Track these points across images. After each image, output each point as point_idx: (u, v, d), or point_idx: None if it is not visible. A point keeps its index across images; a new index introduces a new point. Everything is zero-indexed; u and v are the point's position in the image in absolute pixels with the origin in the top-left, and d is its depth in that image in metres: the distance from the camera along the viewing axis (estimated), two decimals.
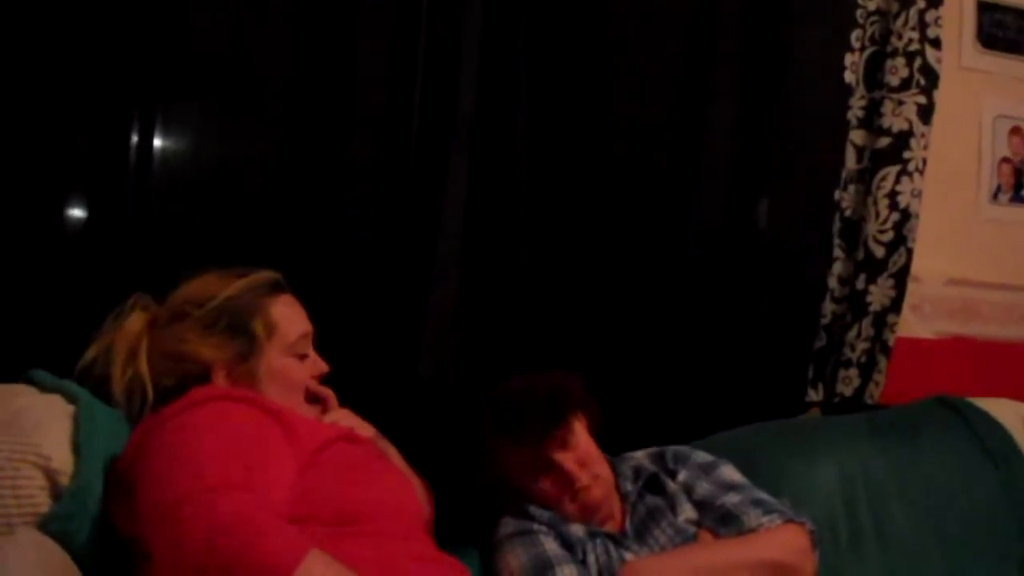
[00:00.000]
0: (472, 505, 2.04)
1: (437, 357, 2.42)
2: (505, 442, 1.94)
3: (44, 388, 1.69)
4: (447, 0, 2.37)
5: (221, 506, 1.33)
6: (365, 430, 1.84)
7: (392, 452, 1.89)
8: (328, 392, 1.86)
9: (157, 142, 2.20)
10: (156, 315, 1.79)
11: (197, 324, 1.74)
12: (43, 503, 1.53)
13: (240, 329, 1.75)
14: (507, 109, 2.44)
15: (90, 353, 1.74)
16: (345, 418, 1.83)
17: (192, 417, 1.53)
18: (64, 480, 1.54)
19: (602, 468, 1.97)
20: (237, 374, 1.73)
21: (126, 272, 2.10)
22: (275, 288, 1.83)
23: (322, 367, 1.85)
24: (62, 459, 1.56)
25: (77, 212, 2.15)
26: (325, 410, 1.84)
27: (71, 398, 1.66)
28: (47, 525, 1.50)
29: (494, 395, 1.99)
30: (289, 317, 1.81)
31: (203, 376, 1.71)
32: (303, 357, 1.82)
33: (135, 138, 2.17)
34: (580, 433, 1.96)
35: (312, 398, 1.83)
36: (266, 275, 1.83)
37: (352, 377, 1.95)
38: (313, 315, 2.12)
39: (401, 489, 1.74)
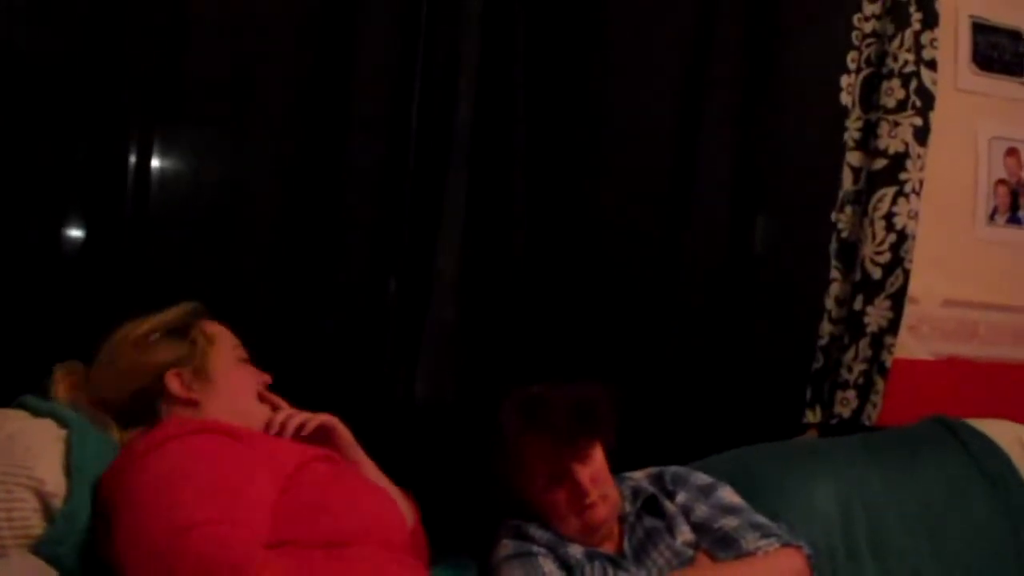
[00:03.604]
0: (471, 522, 2.04)
1: (434, 376, 2.42)
2: (529, 442, 1.92)
3: (36, 412, 1.68)
4: (444, 18, 2.38)
5: (198, 542, 1.34)
6: (318, 419, 1.82)
7: (360, 456, 1.87)
8: (277, 399, 1.86)
9: (155, 163, 2.21)
10: (85, 368, 1.79)
11: (134, 346, 1.76)
12: (36, 526, 1.52)
13: (180, 335, 1.78)
14: (504, 128, 2.44)
15: None
16: (296, 415, 1.81)
17: (163, 455, 1.52)
18: (57, 503, 1.54)
19: (611, 490, 1.97)
20: (189, 376, 1.74)
21: (124, 293, 2.10)
22: (199, 313, 1.85)
23: (265, 377, 1.86)
24: (55, 482, 1.55)
25: (75, 233, 2.15)
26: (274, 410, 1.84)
27: (63, 422, 1.65)
28: (40, 548, 1.50)
29: (521, 395, 1.99)
30: (220, 330, 1.85)
31: (155, 386, 1.72)
32: (245, 363, 1.84)
33: (133, 159, 2.18)
34: (599, 451, 1.96)
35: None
36: (186, 304, 1.85)
37: (348, 397, 1.95)
38: (310, 335, 2.13)
39: (384, 507, 1.73)
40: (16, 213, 2.08)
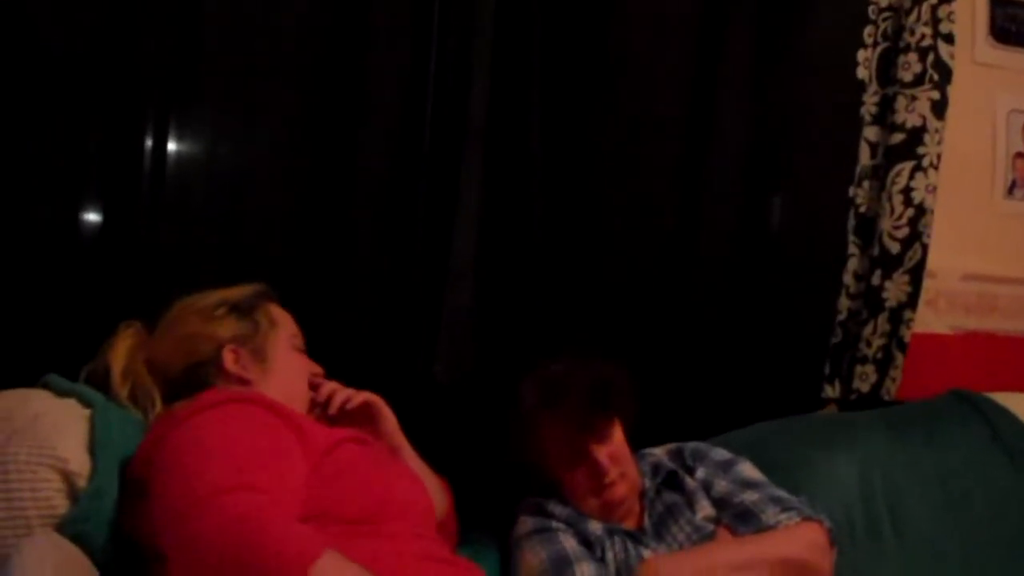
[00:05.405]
0: (491, 502, 2.04)
1: (452, 360, 2.42)
2: (547, 420, 1.93)
3: (60, 392, 1.69)
4: (459, 2, 2.38)
5: (235, 507, 1.34)
6: (363, 396, 1.86)
7: (401, 442, 1.90)
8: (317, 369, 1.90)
9: (171, 146, 2.21)
10: (147, 331, 1.81)
11: (199, 315, 1.79)
12: (60, 505, 1.54)
13: (244, 314, 1.81)
14: (520, 111, 2.44)
15: (84, 374, 1.77)
16: (339, 391, 1.85)
17: (203, 421, 1.53)
18: (81, 482, 1.55)
19: (630, 468, 1.97)
20: (246, 355, 1.76)
21: (141, 276, 2.11)
22: (266, 295, 1.89)
23: (317, 368, 1.89)
24: (79, 462, 1.56)
25: (92, 216, 2.16)
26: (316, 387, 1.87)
27: (86, 402, 1.66)
28: (65, 527, 1.51)
29: (540, 373, 1.99)
30: (284, 316, 1.88)
31: (213, 357, 1.74)
32: (301, 353, 1.88)
33: (149, 142, 2.18)
34: (617, 429, 1.96)
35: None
36: (255, 285, 1.88)
37: (368, 380, 1.95)
38: (328, 318, 2.13)
39: (412, 488, 1.74)
40: (33, 198, 2.09)
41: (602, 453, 1.91)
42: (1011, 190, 3.03)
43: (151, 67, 2.15)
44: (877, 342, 2.73)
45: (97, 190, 2.16)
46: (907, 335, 2.75)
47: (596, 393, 1.93)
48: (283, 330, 1.85)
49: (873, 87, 2.76)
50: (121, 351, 1.76)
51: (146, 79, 2.15)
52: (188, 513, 1.34)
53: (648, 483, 2.01)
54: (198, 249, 2.20)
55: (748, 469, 2.05)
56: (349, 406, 1.83)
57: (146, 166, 2.18)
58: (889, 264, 2.72)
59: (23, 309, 2.04)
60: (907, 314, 2.74)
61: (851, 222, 2.75)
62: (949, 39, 2.74)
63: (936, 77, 2.72)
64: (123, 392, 1.72)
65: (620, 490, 1.93)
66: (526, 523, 1.94)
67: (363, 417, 1.85)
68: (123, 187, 2.16)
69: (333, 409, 1.82)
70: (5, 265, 2.05)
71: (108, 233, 2.15)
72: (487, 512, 2.04)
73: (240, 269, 2.14)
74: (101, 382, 1.73)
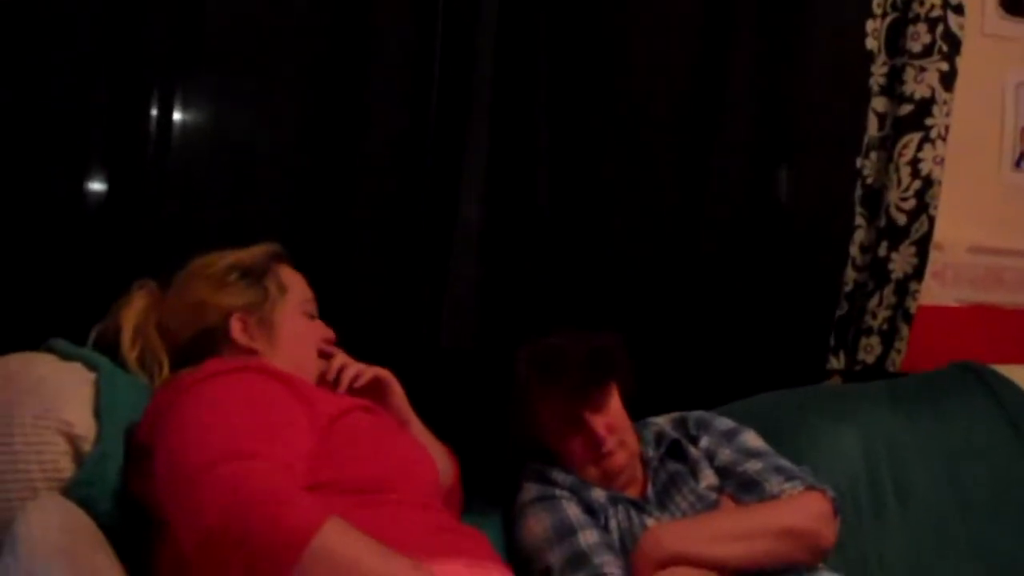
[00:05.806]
0: (495, 469, 2.05)
1: (458, 326, 2.42)
2: (542, 393, 1.93)
3: (65, 356, 1.69)
4: None
5: (239, 475, 1.33)
6: (373, 371, 1.85)
7: (409, 415, 1.89)
8: (337, 351, 1.88)
9: (177, 115, 2.22)
10: (161, 292, 1.80)
11: (208, 281, 1.77)
12: (66, 469, 1.54)
13: (253, 280, 1.78)
14: (526, 79, 2.44)
15: (95, 333, 1.77)
16: (352, 365, 1.84)
17: (209, 388, 1.53)
18: (86, 446, 1.55)
19: (629, 436, 1.98)
20: (253, 324, 1.75)
21: (146, 244, 2.11)
22: (279, 257, 1.86)
23: (329, 333, 1.87)
24: (84, 425, 1.57)
25: (98, 185, 2.16)
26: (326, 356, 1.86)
27: (92, 366, 1.66)
28: (70, 491, 1.51)
29: (534, 347, 2.00)
30: (296, 280, 1.85)
31: (221, 325, 1.73)
32: (312, 318, 1.85)
33: (155, 111, 2.18)
34: (614, 398, 1.97)
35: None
36: (268, 246, 1.86)
37: (373, 346, 1.95)
38: (334, 285, 2.13)
39: (417, 459, 1.74)
40: (39, 167, 2.09)
41: (599, 423, 1.91)
42: (1019, 162, 3.01)
43: (156, 36, 2.15)
44: (883, 314, 2.73)
45: (102, 159, 2.16)
46: (913, 307, 2.75)
47: (590, 363, 1.93)
48: (293, 296, 1.82)
49: (882, 58, 2.74)
50: (134, 311, 1.75)
51: (151, 47, 2.15)
52: (191, 482, 1.33)
53: (652, 452, 2.01)
54: (203, 217, 2.21)
55: (752, 438, 2.05)
56: (357, 384, 1.81)
57: (151, 135, 2.18)
58: (896, 236, 2.71)
59: (28, 277, 2.05)
60: (913, 286, 2.74)
61: (858, 193, 2.74)
62: (959, 10, 2.72)
63: (945, 48, 2.70)
64: (132, 354, 1.72)
65: (619, 459, 1.93)
66: (530, 490, 1.94)
67: (371, 390, 1.84)
68: (128, 156, 2.16)
69: (341, 388, 1.79)
70: (11, 233, 2.05)
71: (113, 202, 2.15)
72: (490, 479, 2.05)
73: (244, 237, 2.14)
74: (111, 342, 1.73)
